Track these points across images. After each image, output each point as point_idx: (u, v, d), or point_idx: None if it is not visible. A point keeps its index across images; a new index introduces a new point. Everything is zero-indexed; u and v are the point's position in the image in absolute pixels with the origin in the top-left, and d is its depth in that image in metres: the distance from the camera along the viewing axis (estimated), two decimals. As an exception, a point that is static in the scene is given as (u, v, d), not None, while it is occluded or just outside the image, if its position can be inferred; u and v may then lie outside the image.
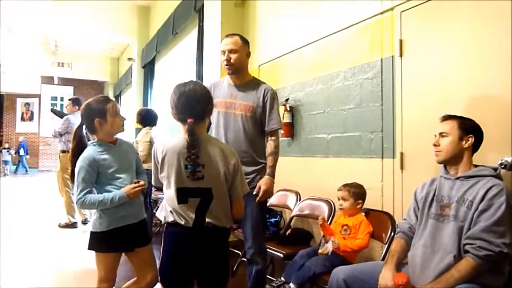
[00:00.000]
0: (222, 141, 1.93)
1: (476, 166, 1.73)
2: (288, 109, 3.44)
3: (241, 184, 1.61)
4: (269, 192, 2.21)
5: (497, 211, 1.54)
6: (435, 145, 1.76)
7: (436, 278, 1.56)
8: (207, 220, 1.47)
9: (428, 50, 2.32)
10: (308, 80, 3.35)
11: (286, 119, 3.43)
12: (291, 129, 3.45)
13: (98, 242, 1.87)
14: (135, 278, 1.96)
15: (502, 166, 1.87)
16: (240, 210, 1.61)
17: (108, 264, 1.88)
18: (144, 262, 1.91)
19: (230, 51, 2.26)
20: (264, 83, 2.37)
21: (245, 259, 2.41)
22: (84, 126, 1.91)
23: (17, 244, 4.29)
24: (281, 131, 3.37)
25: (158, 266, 1.53)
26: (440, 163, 1.78)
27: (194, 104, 1.52)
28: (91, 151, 1.86)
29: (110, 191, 1.85)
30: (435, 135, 1.78)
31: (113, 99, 2.00)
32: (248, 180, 2.14)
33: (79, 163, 1.82)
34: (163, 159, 1.47)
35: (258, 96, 2.26)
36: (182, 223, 1.45)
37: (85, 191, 1.79)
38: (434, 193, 1.77)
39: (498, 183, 1.61)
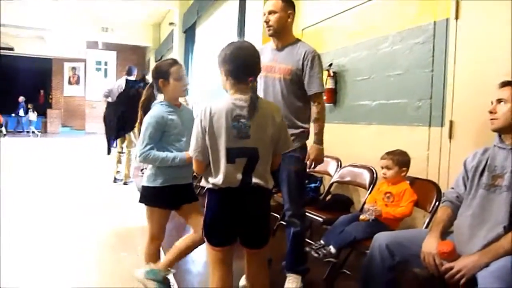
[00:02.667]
0: None
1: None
2: (332, 74, 3.37)
3: (285, 141, 1.61)
4: (318, 160, 2.19)
5: None
6: (491, 112, 1.68)
7: (483, 248, 1.53)
8: (253, 180, 1.49)
9: (486, 13, 2.17)
10: (353, 45, 3.24)
11: (329, 84, 3.37)
12: (334, 95, 3.39)
13: (150, 197, 1.97)
14: (191, 233, 2.06)
15: None
16: (276, 164, 1.63)
17: (159, 219, 1.99)
18: (197, 213, 2.00)
19: (270, 12, 2.21)
20: (307, 45, 2.28)
21: (283, 222, 2.44)
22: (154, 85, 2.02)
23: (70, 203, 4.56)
24: (324, 96, 3.36)
25: (203, 224, 1.58)
26: (495, 131, 1.69)
27: (253, 61, 1.53)
28: (160, 110, 1.95)
29: (170, 151, 1.93)
30: (492, 102, 1.69)
31: (181, 63, 2.05)
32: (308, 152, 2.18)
33: (148, 119, 1.89)
34: (211, 121, 1.47)
35: (298, 59, 2.19)
36: (230, 183, 1.48)
37: (149, 146, 1.88)
38: (486, 162, 1.70)
39: None
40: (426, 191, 2.24)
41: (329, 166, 3.16)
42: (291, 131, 2.18)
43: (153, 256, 2.06)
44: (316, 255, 2.12)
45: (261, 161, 1.51)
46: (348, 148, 3.22)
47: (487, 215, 1.61)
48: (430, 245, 1.66)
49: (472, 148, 1.85)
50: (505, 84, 1.69)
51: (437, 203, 2.13)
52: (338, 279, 2.37)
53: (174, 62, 2.03)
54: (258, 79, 2.24)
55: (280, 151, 1.63)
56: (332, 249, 2.13)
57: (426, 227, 2.09)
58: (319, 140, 2.19)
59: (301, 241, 2.31)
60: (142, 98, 2.02)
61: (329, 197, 2.94)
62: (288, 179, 2.25)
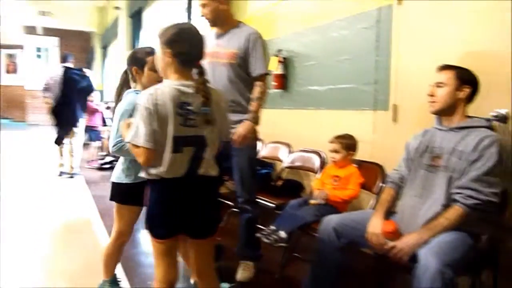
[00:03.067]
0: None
1: (469, 117, 1.72)
2: (281, 60, 3.34)
3: (227, 129, 1.58)
4: (246, 137, 2.10)
5: (487, 162, 1.54)
6: (430, 95, 1.73)
7: (423, 226, 1.59)
8: (200, 170, 1.44)
9: (428, -1, 2.23)
10: (302, 30, 3.23)
11: (279, 70, 3.34)
12: (284, 81, 3.37)
13: (123, 194, 1.84)
14: None
15: (495, 118, 1.87)
16: (217, 152, 1.56)
17: (130, 217, 1.86)
18: None
19: (202, 6, 2.18)
20: (249, 27, 2.23)
21: (236, 209, 2.42)
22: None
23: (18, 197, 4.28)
24: (273, 82, 3.35)
25: (145, 217, 1.49)
26: (434, 113, 1.75)
27: (201, 45, 1.45)
28: (133, 98, 1.76)
29: None
30: (431, 85, 1.74)
31: None
32: (235, 129, 2.12)
33: (123, 107, 1.74)
34: (155, 107, 1.37)
35: (241, 42, 2.15)
36: (175, 173, 1.41)
37: None
38: (427, 144, 1.76)
39: (490, 134, 1.60)
40: (372, 174, 2.30)
41: (280, 151, 3.18)
42: (242, 116, 2.17)
43: (114, 256, 1.94)
44: (267, 240, 2.11)
45: (208, 149, 1.46)
46: (298, 134, 3.23)
47: (427, 194, 1.66)
48: (375, 226, 1.70)
49: (415, 131, 1.90)
50: (443, 68, 1.74)
51: (382, 184, 2.20)
52: (291, 263, 2.39)
53: (152, 51, 1.87)
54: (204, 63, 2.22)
55: (222, 139, 1.59)
56: (282, 234, 2.13)
57: (373, 208, 2.14)
58: (254, 118, 2.13)
59: (253, 227, 2.31)
60: (117, 85, 1.87)
61: (280, 182, 2.96)
62: (240, 165, 2.24)
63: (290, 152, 3.11)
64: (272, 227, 2.19)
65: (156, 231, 1.46)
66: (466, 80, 1.69)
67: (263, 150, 3.34)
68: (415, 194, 1.71)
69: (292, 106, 3.35)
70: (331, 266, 1.77)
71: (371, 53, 2.60)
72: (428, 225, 1.57)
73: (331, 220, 1.82)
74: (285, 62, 3.36)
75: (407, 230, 1.64)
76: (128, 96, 1.78)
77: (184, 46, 1.41)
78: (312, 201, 2.25)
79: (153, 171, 1.41)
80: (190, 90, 1.41)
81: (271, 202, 2.59)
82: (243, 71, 2.18)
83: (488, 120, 1.68)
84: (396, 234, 1.62)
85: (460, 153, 1.61)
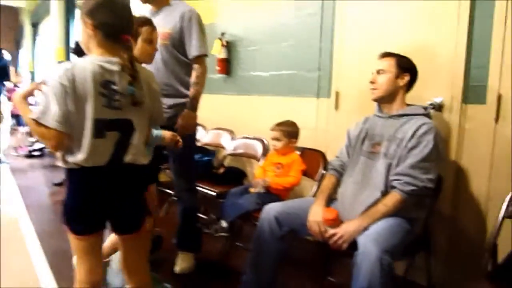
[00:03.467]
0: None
1: (408, 105, 1.74)
2: (225, 44, 3.23)
3: (159, 113, 1.46)
4: (188, 127, 2.03)
5: (424, 148, 1.57)
6: (371, 82, 1.73)
7: (363, 213, 1.59)
8: (126, 157, 1.30)
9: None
10: (247, 14, 3.13)
11: (222, 54, 3.23)
12: (227, 66, 3.26)
13: None
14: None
15: (432, 106, 1.93)
16: (147, 138, 1.43)
17: None
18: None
19: None
20: (183, 4, 2.09)
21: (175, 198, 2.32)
22: None
23: None
24: (217, 66, 3.25)
25: (62, 210, 1.32)
26: (375, 100, 1.76)
27: (128, 16, 1.29)
28: None
29: None
30: (372, 72, 1.75)
31: (155, 27, 1.73)
32: (170, 114, 2.02)
33: None
34: (73, 84, 1.19)
35: (175, 21, 2.01)
36: (96, 161, 1.26)
37: None
38: (367, 131, 1.77)
39: (427, 122, 1.63)
40: (313, 161, 2.29)
41: (223, 138, 3.11)
42: (177, 100, 2.06)
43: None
44: (207, 230, 2.03)
45: (136, 135, 1.31)
46: (241, 120, 3.18)
47: (367, 181, 1.67)
48: (315, 213, 1.69)
49: (357, 118, 1.91)
50: (384, 55, 1.75)
51: (323, 171, 2.19)
52: (232, 253, 2.36)
53: (147, 21, 1.69)
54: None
55: (154, 124, 1.47)
56: (223, 223, 2.08)
57: (314, 195, 2.13)
58: (193, 106, 2.04)
59: (192, 216, 2.23)
60: None
61: (222, 170, 2.89)
62: (177, 152, 2.11)
63: (232, 139, 3.05)
64: (213, 216, 2.15)
65: (74, 226, 1.29)
66: (406, 68, 1.71)
67: (205, 137, 3.27)
68: (355, 181, 1.71)
69: (236, 91, 3.27)
70: (271, 255, 1.73)
71: (315, 40, 2.57)
72: (367, 212, 1.57)
73: (272, 209, 1.78)
74: (229, 46, 3.25)
75: (347, 217, 1.64)
76: None
77: (107, 16, 1.25)
78: (252, 189, 2.21)
79: (70, 158, 1.23)
80: (115, 68, 1.26)
81: (212, 191, 2.51)
82: (179, 52, 2.05)
83: (425, 108, 1.72)
84: (337, 222, 1.62)
85: (399, 140, 1.63)
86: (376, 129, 1.74)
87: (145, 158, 1.36)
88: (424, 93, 1.93)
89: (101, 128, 1.23)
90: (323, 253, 2.22)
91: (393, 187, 1.58)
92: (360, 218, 1.56)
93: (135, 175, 1.34)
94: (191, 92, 2.05)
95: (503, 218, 1.56)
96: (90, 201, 1.27)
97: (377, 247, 1.37)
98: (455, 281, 1.95)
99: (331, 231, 1.58)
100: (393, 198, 1.56)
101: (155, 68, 1.99)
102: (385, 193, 1.61)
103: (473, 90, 1.84)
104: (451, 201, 1.93)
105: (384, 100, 1.73)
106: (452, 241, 1.95)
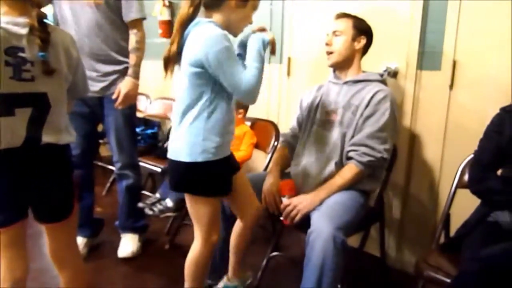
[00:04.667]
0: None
1: (363, 72, 1.69)
2: (167, 4, 3.02)
3: (83, 83, 1.30)
4: (131, 96, 1.92)
5: (381, 117, 1.53)
6: (327, 44, 1.64)
7: (318, 186, 1.54)
8: (44, 137, 1.12)
9: None
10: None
11: (165, 16, 3.04)
12: (170, 29, 3.06)
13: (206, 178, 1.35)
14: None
15: (387, 73, 1.88)
16: (69, 111, 1.28)
17: (217, 207, 1.42)
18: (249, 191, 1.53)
19: None
20: None
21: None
22: None
23: None
24: (159, 29, 3.06)
25: None
26: (331, 66, 1.68)
27: None
28: (221, 32, 1.23)
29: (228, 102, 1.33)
30: (327, 34, 1.66)
31: None
32: (107, 83, 1.92)
33: (221, 41, 1.20)
34: None
35: None
36: (9, 142, 1.09)
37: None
38: (320, 99, 1.71)
39: (383, 89, 1.59)
40: (265, 132, 2.20)
41: (168, 109, 2.95)
42: (113, 67, 1.93)
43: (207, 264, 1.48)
44: (150, 212, 1.92)
45: (53, 111, 1.14)
46: None
47: (321, 152, 1.62)
48: (271, 184, 1.61)
49: (310, 86, 1.83)
50: (340, 16, 1.66)
51: (276, 143, 2.11)
52: (181, 231, 2.27)
53: None
54: (60, 7, 1.85)
55: (76, 95, 1.31)
56: (169, 202, 1.94)
57: (266, 168, 2.05)
58: (135, 73, 1.93)
59: (135, 195, 2.13)
60: (182, 12, 1.29)
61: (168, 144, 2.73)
62: (115, 125, 1.99)
63: None
64: (157, 195, 2.00)
65: None
66: (363, 30, 1.64)
67: (149, 107, 3.10)
68: (308, 153, 1.65)
69: None
70: (222, 232, 1.63)
71: (265, 2, 2.42)
72: (325, 184, 1.53)
73: None
74: (172, 7, 3.04)
75: (301, 191, 1.58)
76: (211, 28, 1.24)
77: None
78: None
79: None
80: (23, 31, 1.06)
81: (157, 166, 2.41)
82: (114, 14, 1.89)
83: (381, 75, 1.67)
84: (293, 193, 1.55)
85: (354, 107, 1.58)
86: (330, 96, 1.67)
87: (69, 136, 1.19)
88: (378, 59, 1.88)
89: (9, 104, 1.06)
90: (273, 226, 2.21)
91: (349, 158, 1.54)
92: (317, 191, 1.51)
93: (57, 156, 1.17)
94: (132, 58, 1.93)
95: (456, 187, 1.55)
96: (6, 188, 1.10)
97: (330, 225, 1.32)
98: (408, 252, 1.98)
99: (286, 201, 1.52)
100: (350, 169, 1.52)
101: (88, 32, 1.85)
102: (340, 164, 1.56)
103: (428, 56, 1.81)
104: (405, 171, 1.92)
105: (340, 65, 1.66)
106: (405, 212, 1.97)
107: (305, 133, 1.71)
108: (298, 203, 1.48)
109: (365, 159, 1.50)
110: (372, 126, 1.52)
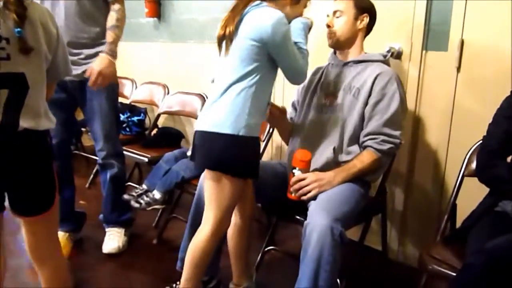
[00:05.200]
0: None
1: (365, 53, 1.68)
2: (154, -19, 3.03)
3: (64, 63, 1.28)
4: (106, 76, 1.89)
5: (391, 102, 1.55)
6: (328, 25, 1.64)
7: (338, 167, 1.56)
8: (22, 122, 1.11)
9: None
10: None
11: (151, -7, 3.03)
12: (157, 7, 3.06)
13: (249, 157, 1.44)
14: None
15: (390, 54, 1.87)
16: (49, 97, 1.28)
17: (239, 190, 1.46)
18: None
19: None
20: None
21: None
22: None
23: None
24: (145, 8, 3.02)
25: None
26: (332, 46, 1.68)
27: None
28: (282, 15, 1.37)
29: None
30: (328, 15, 1.65)
31: None
32: (90, 66, 1.88)
33: (287, 25, 1.38)
34: None
35: None
36: None
37: None
38: (319, 81, 1.71)
39: (386, 70, 1.59)
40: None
41: (155, 94, 2.97)
42: (95, 49, 1.92)
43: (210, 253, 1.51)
44: (137, 205, 1.94)
45: (32, 93, 1.12)
46: (176, 72, 3.05)
47: (318, 138, 1.63)
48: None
49: (309, 68, 1.80)
50: None
51: (272, 130, 2.14)
52: (170, 226, 2.27)
53: None
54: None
55: (58, 78, 1.29)
56: (157, 194, 1.97)
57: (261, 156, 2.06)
58: (111, 51, 1.92)
59: (120, 186, 2.15)
60: None
61: (155, 131, 2.80)
62: (99, 110, 1.98)
63: (166, 94, 2.94)
64: (144, 187, 2.03)
65: None
66: (365, 8, 1.63)
67: (134, 93, 3.10)
68: (304, 138, 1.66)
69: (169, 38, 3.10)
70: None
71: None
72: (344, 166, 1.55)
73: None
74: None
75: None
76: (272, 10, 1.36)
77: None
78: (189, 153, 2.06)
79: None
80: None
81: (143, 156, 2.42)
82: None
83: (385, 56, 1.67)
84: (308, 166, 1.54)
85: (356, 90, 1.59)
86: (330, 79, 1.68)
87: (48, 121, 1.18)
88: (381, 39, 1.87)
89: None
90: (268, 220, 2.23)
91: (367, 147, 1.56)
92: (333, 172, 1.53)
93: (37, 143, 1.16)
94: (110, 36, 1.92)
95: (463, 176, 1.56)
96: None
97: (328, 216, 1.33)
98: (411, 245, 2.00)
99: (301, 174, 1.51)
100: (370, 155, 1.54)
101: (67, 12, 1.85)
102: (338, 150, 1.58)
103: (434, 36, 1.81)
104: (408, 159, 1.94)
105: (342, 45, 1.66)
106: (409, 202, 1.99)
107: (300, 117, 1.72)
108: (314, 180, 1.49)
109: (386, 146, 1.53)
110: (384, 113, 1.55)
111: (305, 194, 1.49)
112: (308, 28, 1.50)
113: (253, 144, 1.41)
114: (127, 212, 2.17)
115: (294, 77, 1.44)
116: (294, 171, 1.52)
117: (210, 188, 1.42)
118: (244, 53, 1.34)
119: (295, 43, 1.41)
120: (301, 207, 1.51)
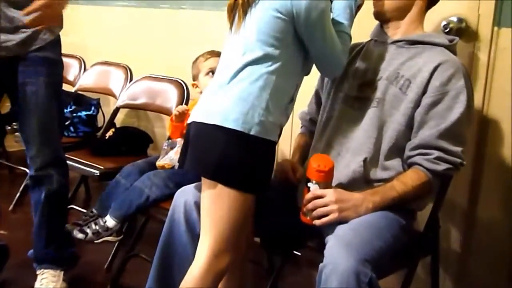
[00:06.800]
0: None
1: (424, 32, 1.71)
2: None
3: None
4: (46, 15, 1.77)
5: (454, 104, 1.55)
6: None
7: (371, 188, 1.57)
8: None
9: None
10: None
11: None
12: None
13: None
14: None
15: (446, 30, 1.91)
16: None
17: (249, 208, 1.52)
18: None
19: None
20: None
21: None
22: None
23: None
24: None
25: None
26: (378, 16, 1.71)
27: None
28: None
29: None
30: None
31: None
32: (25, 36, 1.93)
33: (325, 3, 1.43)
34: None
35: None
36: None
37: None
38: (352, 65, 1.73)
39: (452, 59, 1.60)
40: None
41: (112, 80, 3.03)
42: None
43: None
44: (80, 235, 1.98)
45: None
46: (144, 48, 3.14)
47: (346, 141, 1.65)
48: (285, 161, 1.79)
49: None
50: None
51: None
52: (129, 267, 2.31)
53: None
54: None
55: None
56: (110, 221, 2.01)
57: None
58: None
59: (60, 208, 2.17)
60: None
61: (111, 132, 2.82)
62: (35, 99, 2.02)
63: (129, 80, 2.98)
64: (93, 211, 2.07)
65: None
66: None
67: (82, 78, 3.17)
68: (328, 141, 1.69)
69: (134, 2, 3.21)
70: (189, 264, 1.63)
71: None
72: (377, 188, 1.56)
73: (190, 192, 1.71)
74: None
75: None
76: None
77: None
78: (160, 163, 2.17)
79: None
80: None
81: (93, 167, 2.45)
82: None
83: (451, 40, 1.67)
84: (329, 179, 1.55)
85: (405, 81, 1.60)
86: (369, 62, 1.70)
87: None
88: (436, 11, 1.85)
89: None
90: (270, 261, 2.25)
91: (412, 164, 1.58)
92: (366, 192, 1.54)
93: None
94: None
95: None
96: None
97: (353, 256, 1.33)
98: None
99: (318, 190, 1.51)
100: (419, 176, 1.55)
101: None
102: (370, 162, 1.60)
103: (509, 8, 1.83)
104: (470, 179, 1.95)
105: (392, 16, 1.69)
106: (470, 239, 2.00)
107: (324, 114, 1.75)
108: (334, 200, 1.48)
109: (441, 166, 1.54)
110: (443, 119, 1.54)
111: (320, 217, 1.49)
112: (357, 6, 1.56)
113: (267, 150, 1.44)
114: (68, 247, 2.19)
115: (328, 68, 1.52)
116: (309, 184, 1.53)
117: (206, 204, 1.45)
118: (264, 27, 1.39)
119: (335, 23, 1.46)
120: (319, 242, 1.52)
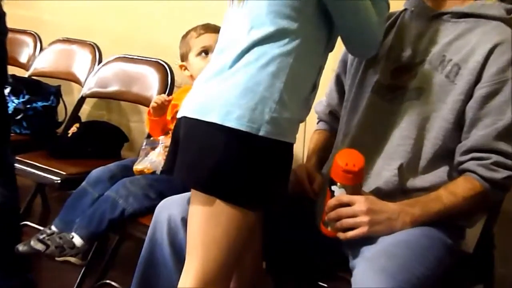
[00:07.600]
0: None
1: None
2: None
3: None
4: None
5: None
6: None
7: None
8: None
9: None
10: None
11: None
12: None
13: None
14: None
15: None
16: None
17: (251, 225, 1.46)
18: None
19: None
20: None
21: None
22: None
23: None
24: None
25: None
26: None
27: None
28: None
29: None
30: None
31: None
32: None
33: None
34: None
35: None
36: None
37: None
38: (385, 42, 1.71)
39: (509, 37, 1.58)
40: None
41: (77, 62, 3.08)
42: None
43: None
44: (39, 247, 1.97)
45: None
46: (118, 26, 3.22)
47: (378, 141, 1.64)
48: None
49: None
50: None
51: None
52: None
53: None
54: None
55: None
56: (76, 239, 2.00)
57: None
58: None
59: (8, 225, 2.22)
60: None
61: (75, 128, 2.82)
62: None
63: (97, 62, 3.03)
64: (53, 228, 2.06)
65: None
66: None
67: (39, 59, 3.22)
68: (353, 139, 1.69)
69: None
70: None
71: None
72: (418, 198, 1.54)
73: (175, 204, 1.72)
74: None
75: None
76: None
77: None
78: (139, 167, 2.19)
79: None
80: None
81: (54, 173, 2.45)
82: None
83: (509, 10, 1.65)
84: (359, 180, 1.53)
85: (453, 66, 1.58)
86: (406, 40, 1.69)
87: None
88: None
89: None
90: (277, 285, 2.19)
91: (463, 171, 1.57)
92: (404, 203, 1.52)
93: None
94: None
95: None
96: None
97: (387, 281, 1.31)
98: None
99: (341, 194, 1.50)
100: (469, 185, 1.53)
101: None
102: (408, 169, 1.58)
103: None
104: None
105: None
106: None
107: (348, 104, 1.75)
108: (365, 210, 1.47)
109: (500, 174, 1.51)
110: (501, 114, 1.53)
111: (346, 230, 1.47)
112: None
113: (281, 154, 1.39)
114: (20, 274, 2.23)
115: (360, 46, 1.48)
116: (333, 187, 1.51)
117: (196, 221, 1.39)
118: None
119: None
120: (342, 263, 1.52)
